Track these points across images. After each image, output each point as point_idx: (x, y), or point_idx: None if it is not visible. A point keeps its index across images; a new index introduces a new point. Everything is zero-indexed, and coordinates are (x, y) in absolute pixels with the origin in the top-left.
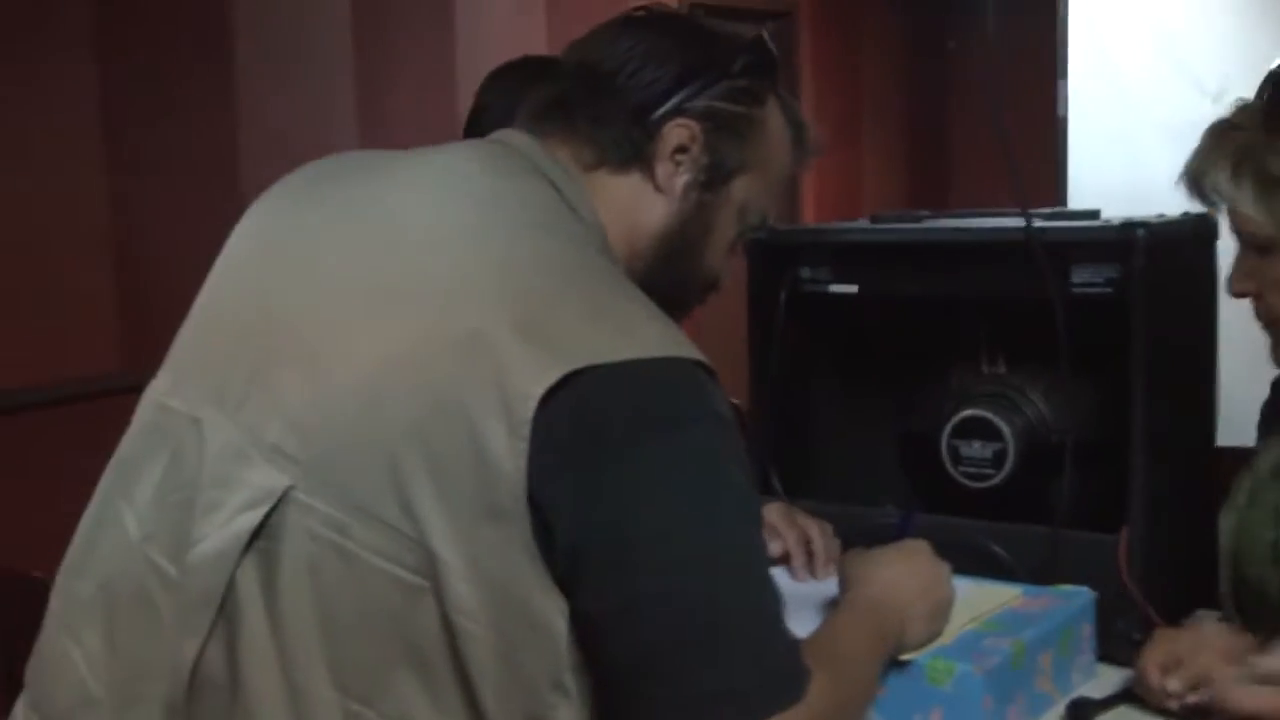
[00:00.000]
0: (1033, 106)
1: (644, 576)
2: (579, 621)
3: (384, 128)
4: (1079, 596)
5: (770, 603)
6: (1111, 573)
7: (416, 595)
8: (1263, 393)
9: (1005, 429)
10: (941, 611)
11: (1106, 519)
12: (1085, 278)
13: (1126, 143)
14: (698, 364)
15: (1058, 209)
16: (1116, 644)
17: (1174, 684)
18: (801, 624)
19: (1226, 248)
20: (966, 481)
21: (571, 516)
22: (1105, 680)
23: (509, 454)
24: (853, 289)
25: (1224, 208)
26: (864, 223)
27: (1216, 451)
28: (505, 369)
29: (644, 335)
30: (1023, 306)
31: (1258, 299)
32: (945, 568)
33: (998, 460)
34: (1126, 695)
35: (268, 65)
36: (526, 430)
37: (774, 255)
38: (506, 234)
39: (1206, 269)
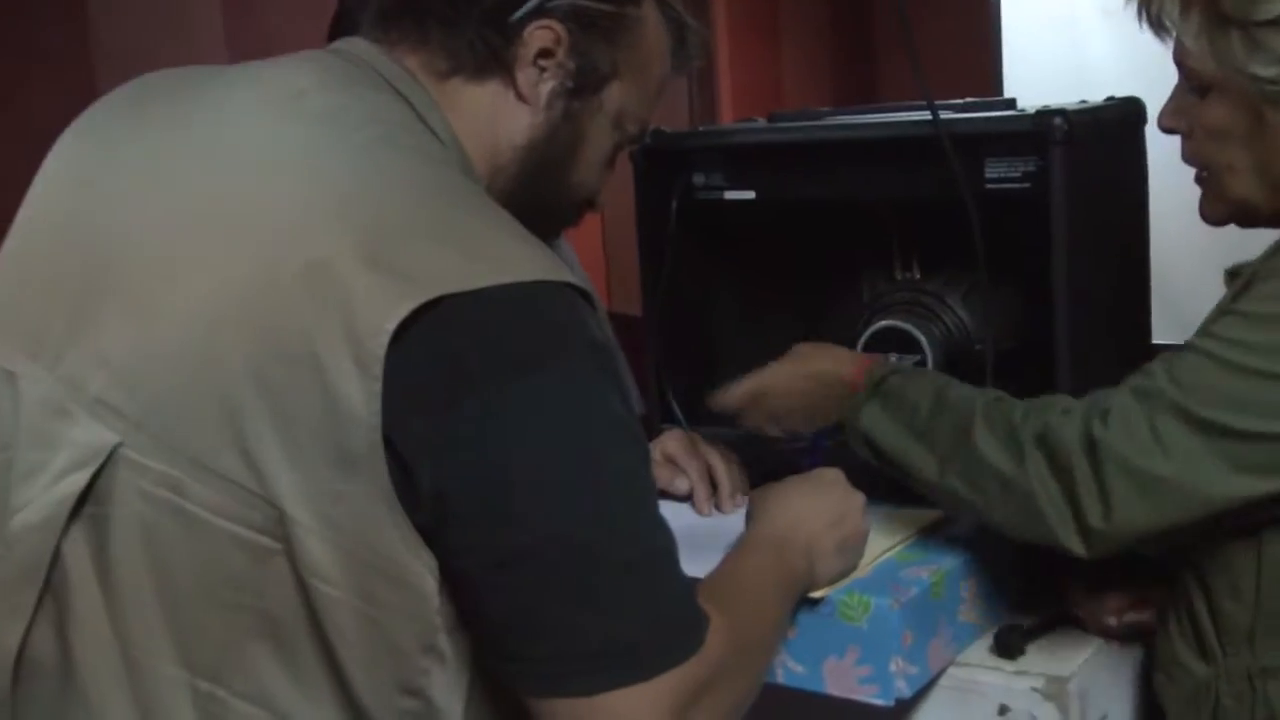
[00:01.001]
0: None
1: (517, 525)
2: (449, 578)
3: (255, 39)
4: None
5: (661, 546)
6: None
7: (266, 558)
8: (1203, 284)
9: (923, 339)
10: (854, 545)
11: None
12: (1000, 172)
13: (1064, 23)
14: (569, 287)
15: (970, 99)
16: (1049, 564)
17: (1112, 601)
18: (707, 566)
19: (1155, 134)
20: None
21: (434, 462)
22: (1036, 605)
23: (361, 395)
24: (750, 195)
25: (1168, 40)
26: (760, 122)
27: (1153, 349)
28: (353, 302)
29: (508, 259)
30: (935, 207)
31: (1187, 138)
32: (859, 498)
33: None
34: (1061, 619)
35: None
36: (379, 369)
37: (663, 161)
38: (349, 154)
39: (1134, 157)
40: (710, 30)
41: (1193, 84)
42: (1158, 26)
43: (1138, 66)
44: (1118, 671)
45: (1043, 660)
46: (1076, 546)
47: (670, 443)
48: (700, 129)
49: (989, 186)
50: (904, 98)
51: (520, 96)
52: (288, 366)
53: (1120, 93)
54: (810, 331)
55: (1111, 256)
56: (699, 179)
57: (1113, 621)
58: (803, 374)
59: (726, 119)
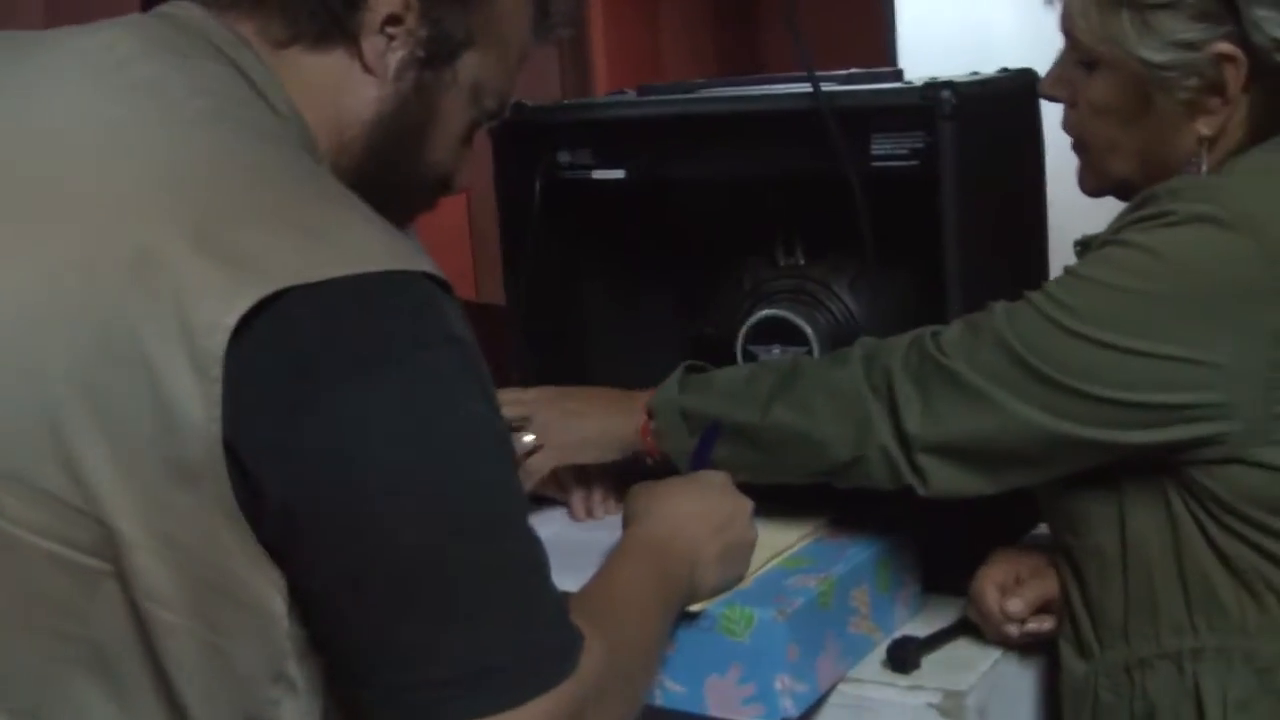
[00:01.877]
0: None
1: (371, 538)
2: (300, 598)
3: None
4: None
5: (530, 560)
6: None
7: (94, 581)
8: None
9: (808, 330)
10: (739, 554)
11: None
12: (886, 149)
13: None
14: (426, 276)
15: (854, 71)
16: (944, 572)
17: (1015, 605)
18: (582, 576)
19: (1053, 107)
20: None
21: (279, 469)
22: (934, 614)
23: (198, 398)
24: (619, 174)
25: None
26: (630, 95)
27: None
28: (186, 295)
29: (357, 246)
30: (819, 186)
31: (1070, 108)
32: (745, 503)
33: None
34: (959, 629)
35: None
36: (218, 369)
37: (525, 137)
38: (177, 129)
39: (1029, 132)
40: None
41: (1080, 57)
42: None
43: (1042, 37)
44: (1020, 684)
45: (939, 674)
46: (896, 451)
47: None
48: (565, 103)
49: (875, 164)
50: (791, 69)
51: (366, 67)
52: (114, 368)
53: (1023, 64)
54: (689, 322)
55: (1007, 237)
56: (564, 157)
57: (1014, 630)
58: (591, 394)
59: (601, 92)
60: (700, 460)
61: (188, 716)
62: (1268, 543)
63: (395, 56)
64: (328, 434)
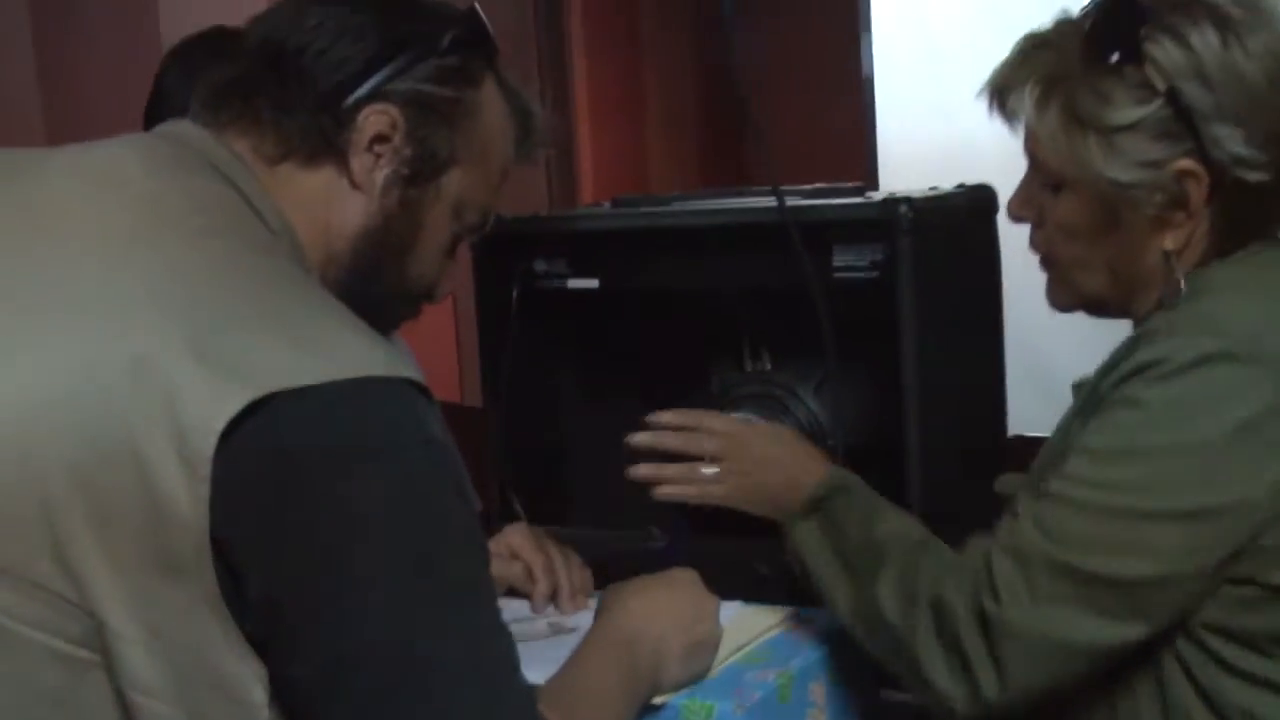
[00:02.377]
0: (836, 66)
1: (349, 631)
2: (279, 687)
3: (73, 109)
4: None
5: (499, 652)
6: None
7: (82, 671)
8: (1058, 374)
9: None
10: (704, 649)
11: None
12: (848, 260)
13: (939, 103)
14: (407, 382)
15: (819, 185)
16: None
17: None
18: (548, 669)
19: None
20: None
21: (263, 566)
22: (890, 708)
23: (187, 497)
24: (593, 284)
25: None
26: (605, 207)
27: (1010, 442)
28: (178, 398)
29: (341, 353)
30: (784, 295)
31: (1036, 228)
32: (712, 601)
33: None
34: None
35: None
36: (207, 470)
37: (503, 247)
38: (174, 242)
39: (986, 245)
40: (568, 110)
41: (1046, 179)
42: (1011, 118)
43: (1014, 145)
44: None
45: None
46: (974, 716)
47: (514, 536)
48: (541, 215)
49: (837, 275)
50: (781, 179)
51: (354, 183)
52: (108, 465)
53: (999, 176)
54: None
55: (963, 347)
56: (540, 266)
57: None
58: (781, 454)
59: (588, 200)
60: (671, 557)
61: None
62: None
63: (382, 174)
64: (308, 530)
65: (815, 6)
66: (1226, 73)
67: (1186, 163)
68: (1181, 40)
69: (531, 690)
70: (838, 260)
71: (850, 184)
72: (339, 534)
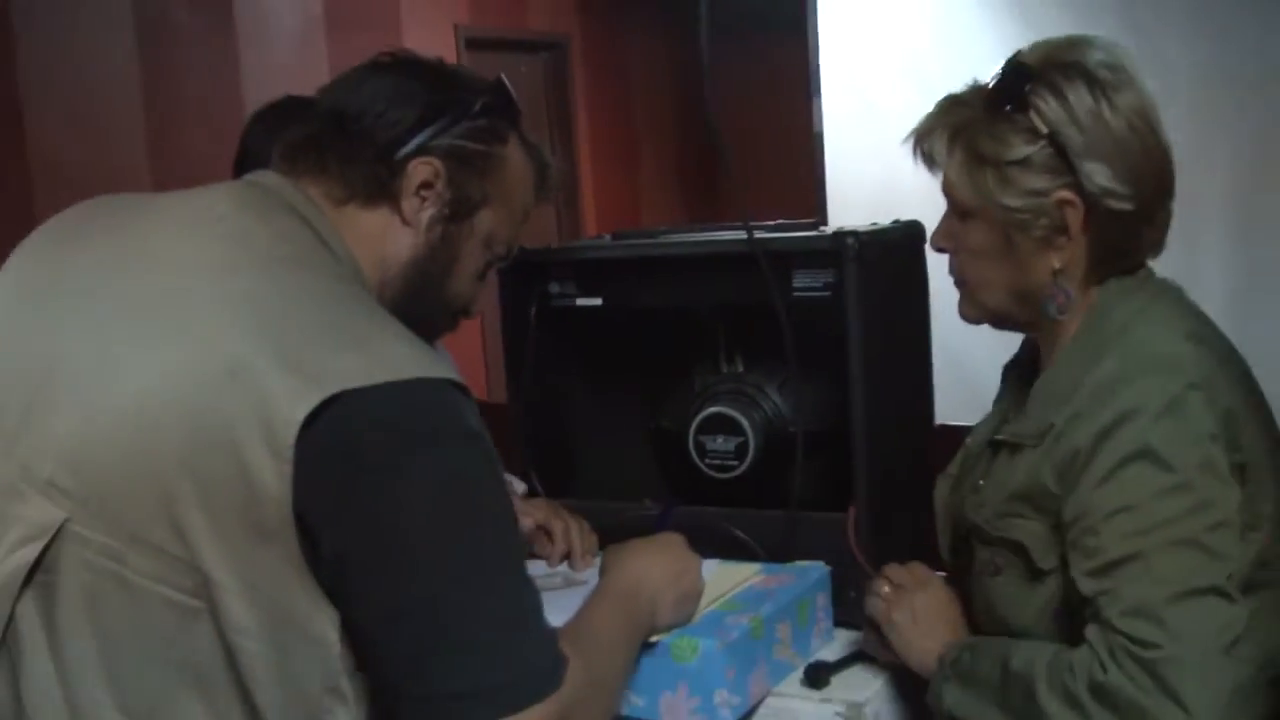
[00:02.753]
0: (790, 123)
1: (402, 584)
2: (349, 629)
3: (174, 163)
4: (814, 571)
5: (526, 601)
6: (843, 546)
7: (193, 616)
8: (975, 374)
9: (745, 424)
10: (690, 598)
11: (838, 499)
12: (805, 282)
13: (877, 154)
14: (449, 383)
15: (781, 221)
16: (851, 610)
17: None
18: (563, 615)
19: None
20: (713, 473)
21: (334, 530)
22: (843, 644)
23: (274, 477)
24: (597, 301)
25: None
26: (606, 239)
27: (937, 430)
28: (268, 398)
29: (396, 359)
30: (753, 310)
31: (953, 254)
32: (696, 559)
33: (740, 452)
34: (858, 655)
35: (57, 108)
36: (290, 454)
37: (523, 272)
38: (263, 269)
39: (916, 270)
40: (574, 158)
41: (956, 211)
42: (929, 162)
43: (937, 192)
44: (903, 696)
45: (844, 689)
46: None
47: (536, 509)
48: (554, 246)
49: (796, 294)
50: (749, 215)
51: (405, 221)
52: (213, 452)
53: (926, 209)
54: (650, 417)
55: (898, 351)
56: (554, 288)
57: (884, 657)
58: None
59: (590, 234)
60: (662, 525)
61: (262, 719)
62: None
63: (426, 214)
64: (369, 504)
65: (774, 76)
66: (1095, 121)
67: (1065, 193)
68: (1060, 95)
69: (554, 634)
70: (797, 282)
71: (806, 220)
72: (394, 505)
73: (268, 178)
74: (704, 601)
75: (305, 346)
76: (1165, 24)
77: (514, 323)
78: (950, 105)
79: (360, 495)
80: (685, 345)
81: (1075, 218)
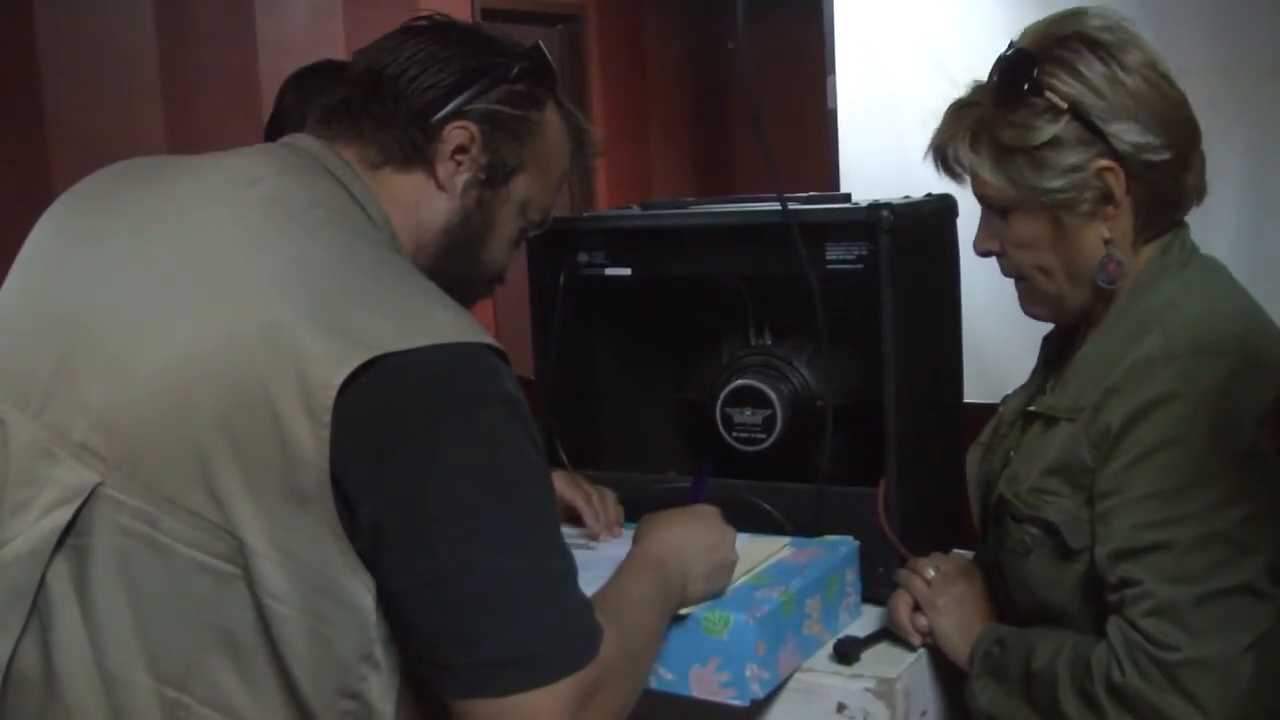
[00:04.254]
0: (805, 101)
1: (441, 551)
2: (384, 596)
3: (190, 130)
4: (843, 545)
5: (563, 569)
6: (871, 522)
7: (227, 581)
8: (1005, 353)
9: (773, 396)
10: (723, 571)
11: (866, 474)
12: (838, 255)
13: (891, 133)
14: (488, 347)
15: (813, 194)
16: (879, 586)
17: (921, 621)
18: (593, 586)
19: (966, 224)
20: (739, 445)
21: (372, 495)
22: (870, 620)
23: (311, 440)
24: (626, 272)
25: (965, 179)
26: (635, 210)
27: (965, 407)
28: (305, 360)
29: (435, 323)
30: (784, 283)
31: (1001, 255)
32: (731, 532)
33: (768, 425)
34: (886, 632)
35: (74, 75)
36: (328, 417)
37: (552, 242)
38: (299, 231)
39: (948, 243)
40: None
41: (995, 208)
42: (953, 172)
43: None
44: (935, 675)
45: (874, 665)
46: None
47: (558, 482)
48: (584, 214)
49: (829, 266)
50: (757, 188)
51: (440, 186)
52: (249, 415)
53: (935, 188)
54: (678, 389)
55: (930, 326)
56: (583, 258)
57: (916, 640)
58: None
59: (602, 206)
60: (695, 497)
61: (297, 689)
62: None
63: (462, 178)
64: (408, 469)
65: (791, 53)
66: (1111, 84)
67: (1103, 161)
68: (1070, 68)
69: (588, 601)
70: (830, 255)
71: (837, 193)
72: (432, 470)
73: (303, 140)
74: (734, 575)
75: (343, 309)
76: (1180, 9)
77: (541, 293)
78: (959, 109)
79: (398, 459)
80: (713, 317)
81: (1118, 182)
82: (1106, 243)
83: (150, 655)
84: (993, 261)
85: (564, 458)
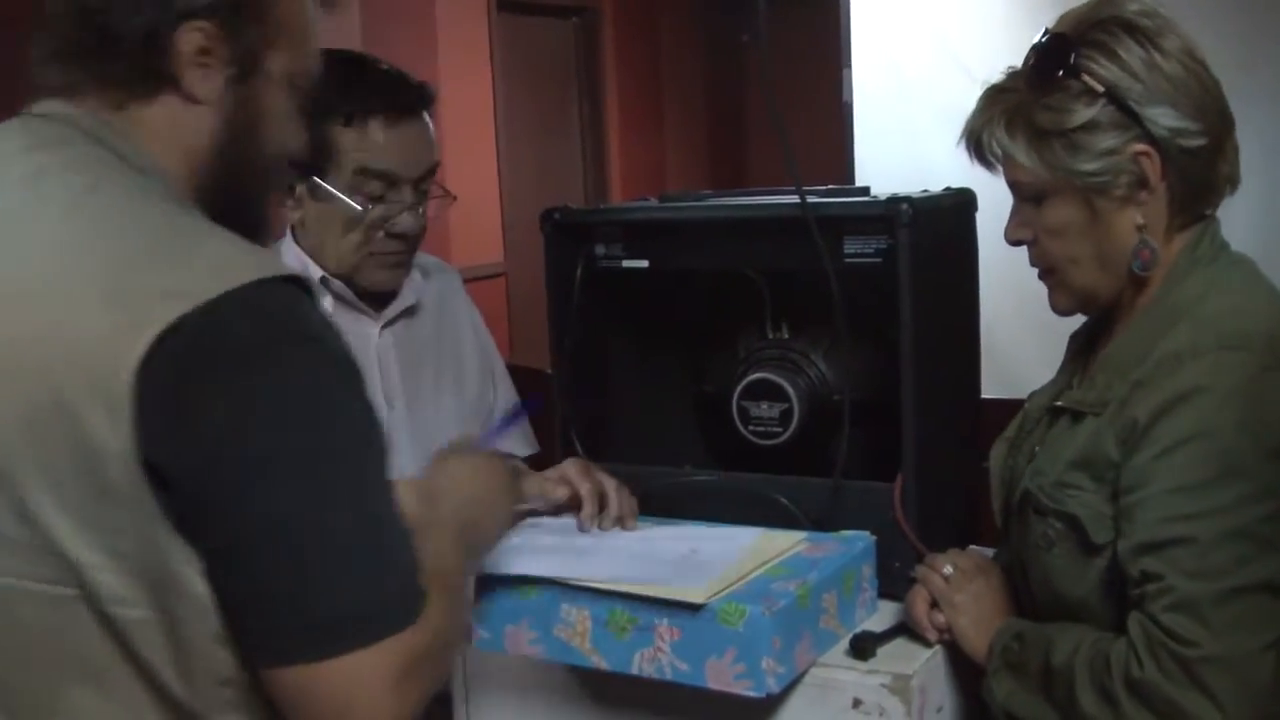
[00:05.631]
0: (821, 94)
1: (245, 512)
2: (209, 569)
3: None
4: (859, 540)
5: (388, 525)
6: (888, 517)
7: (65, 605)
8: (1019, 350)
9: (790, 390)
10: (493, 493)
11: (883, 468)
12: (856, 249)
13: (906, 126)
14: (285, 279)
15: (832, 186)
16: (895, 581)
17: (938, 617)
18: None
19: (985, 219)
20: (756, 439)
21: (183, 466)
22: (886, 615)
23: (112, 433)
24: (644, 264)
25: (999, 167)
26: (653, 202)
27: (982, 403)
28: (93, 348)
29: (226, 265)
30: (801, 276)
31: (1032, 245)
32: (496, 460)
33: (784, 419)
34: (902, 628)
35: None
36: (126, 405)
37: (570, 234)
38: (65, 208)
39: (967, 238)
40: (602, 123)
41: (1029, 195)
42: (988, 159)
43: (966, 160)
44: (951, 671)
45: (891, 661)
46: None
47: (569, 466)
48: (602, 206)
49: (847, 260)
50: (769, 182)
51: (195, 99)
52: (47, 422)
53: (949, 181)
54: (694, 382)
55: (948, 320)
56: (600, 250)
57: (933, 636)
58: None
59: (616, 198)
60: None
61: (168, 693)
62: None
63: (214, 84)
64: (213, 431)
65: (806, 47)
66: (1149, 68)
67: (1138, 145)
68: (1109, 51)
69: (414, 563)
70: (848, 248)
71: (855, 186)
72: (239, 429)
73: (48, 105)
74: (748, 566)
75: (124, 282)
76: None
77: (559, 284)
78: (994, 94)
79: (205, 423)
80: (731, 310)
81: (1153, 167)
82: (1140, 229)
83: (3, 702)
84: (1007, 257)
85: (579, 449)
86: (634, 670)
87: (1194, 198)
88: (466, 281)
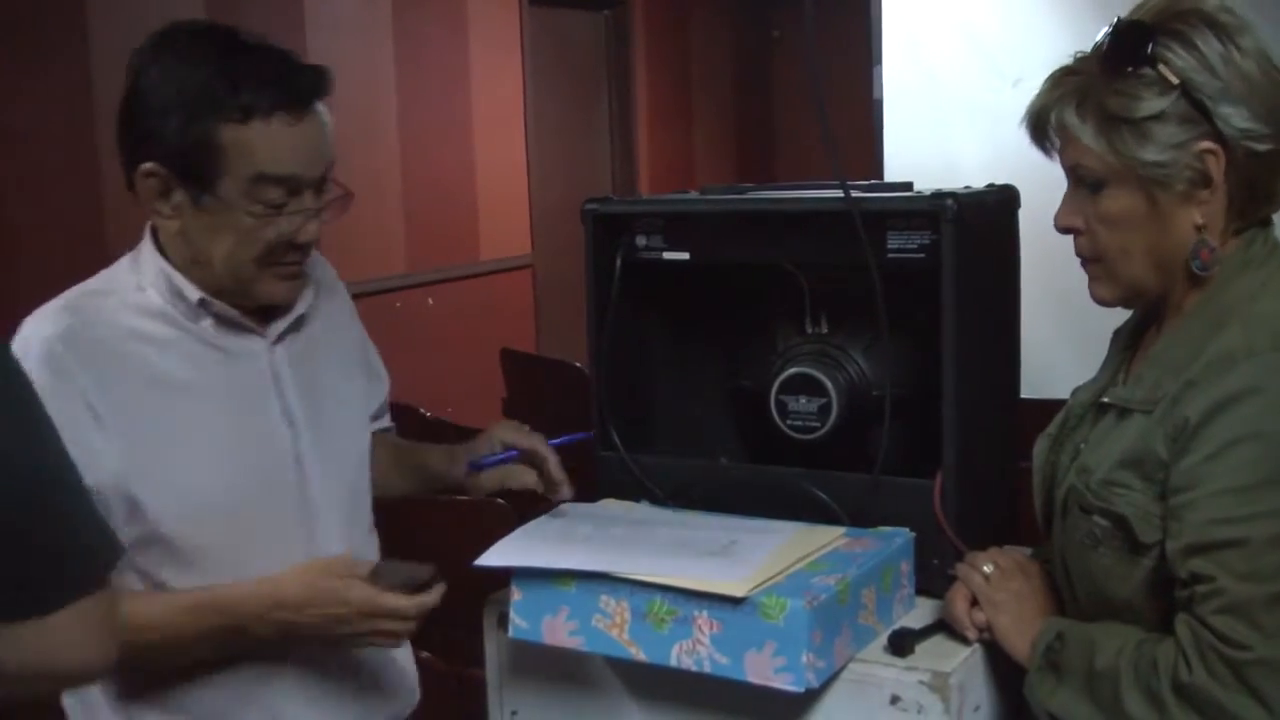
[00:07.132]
0: (851, 90)
1: None
2: None
3: None
4: (898, 537)
5: (68, 496)
6: (927, 514)
7: None
8: (1062, 350)
9: (829, 385)
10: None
11: (922, 465)
12: (900, 244)
13: (936, 123)
14: None
15: (874, 181)
16: (933, 578)
17: (978, 615)
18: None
19: (1026, 217)
20: (794, 434)
21: None
22: (924, 612)
23: None
24: (684, 256)
25: (1055, 151)
26: (694, 194)
27: (1021, 402)
28: None
29: None
30: (843, 271)
31: (1082, 233)
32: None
33: (823, 414)
34: (941, 625)
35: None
36: None
37: (610, 225)
38: None
39: (1009, 236)
40: (631, 116)
41: (1089, 181)
42: (1048, 141)
43: (995, 158)
44: (990, 669)
45: (929, 658)
46: None
47: (503, 430)
48: (644, 198)
49: (890, 255)
50: (795, 176)
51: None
52: None
53: (975, 177)
54: (731, 376)
55: (990, 318)
56: (641, 241)
57: (973, 635)
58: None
59: (644, 191)
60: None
61: None
62: None
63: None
64: None
65: (837, 42)
66: (1227, 65)
67: (1206, 143)
68: (1188, 43)
69: (104, 534)
70: (891, 243)
71: (898, 181)
72: None
73: None
74: (789, 561)
75: None
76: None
77: (599, 275)
78: (1063, 75)
79: None
80: (771, 304)
81: (1217, 166)
82: (1199, 229)
83: None
84: (1045, 254)
85: (617, 441)
86: (672, 662)
87: (1253, 202)
88: (493, 274)
